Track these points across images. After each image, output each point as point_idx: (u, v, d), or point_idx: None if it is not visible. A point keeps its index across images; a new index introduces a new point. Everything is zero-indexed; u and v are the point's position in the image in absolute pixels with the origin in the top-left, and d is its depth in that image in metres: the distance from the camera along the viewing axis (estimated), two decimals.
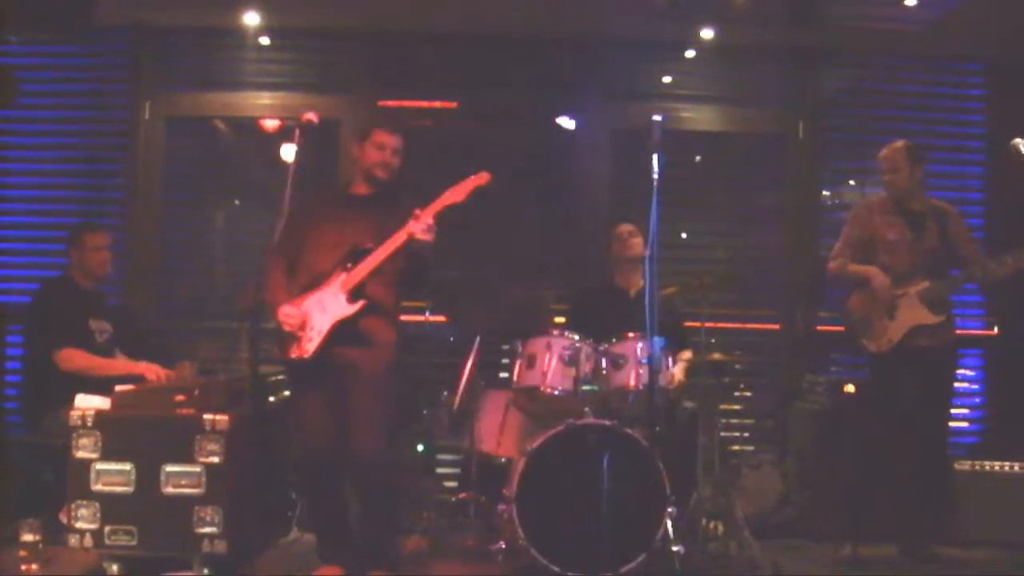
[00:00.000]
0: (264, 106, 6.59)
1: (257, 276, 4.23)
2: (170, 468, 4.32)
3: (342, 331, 4.32)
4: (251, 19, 6.36)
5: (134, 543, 4.29)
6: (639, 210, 4.76)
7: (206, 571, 4.29)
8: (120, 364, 5.13)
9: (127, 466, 4.33)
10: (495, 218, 6.58)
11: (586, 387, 4.91)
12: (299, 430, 4.50)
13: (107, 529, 4.30)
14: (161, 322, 6.53)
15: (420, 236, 4.21)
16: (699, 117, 6.84)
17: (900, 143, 5.29)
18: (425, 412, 5.48)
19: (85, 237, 5.34)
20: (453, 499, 5.30)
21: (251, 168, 6.58)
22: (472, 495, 5.14)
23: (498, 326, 5.39)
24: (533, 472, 4.58)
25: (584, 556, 4.44)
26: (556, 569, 4.43)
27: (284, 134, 6.33)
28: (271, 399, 5.07)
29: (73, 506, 4.31)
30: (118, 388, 4.53)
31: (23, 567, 3.95)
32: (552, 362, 4.91)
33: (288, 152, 4.48)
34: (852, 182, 7.03)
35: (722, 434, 5.49)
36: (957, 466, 5.75)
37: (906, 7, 6.12)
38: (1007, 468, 5.74)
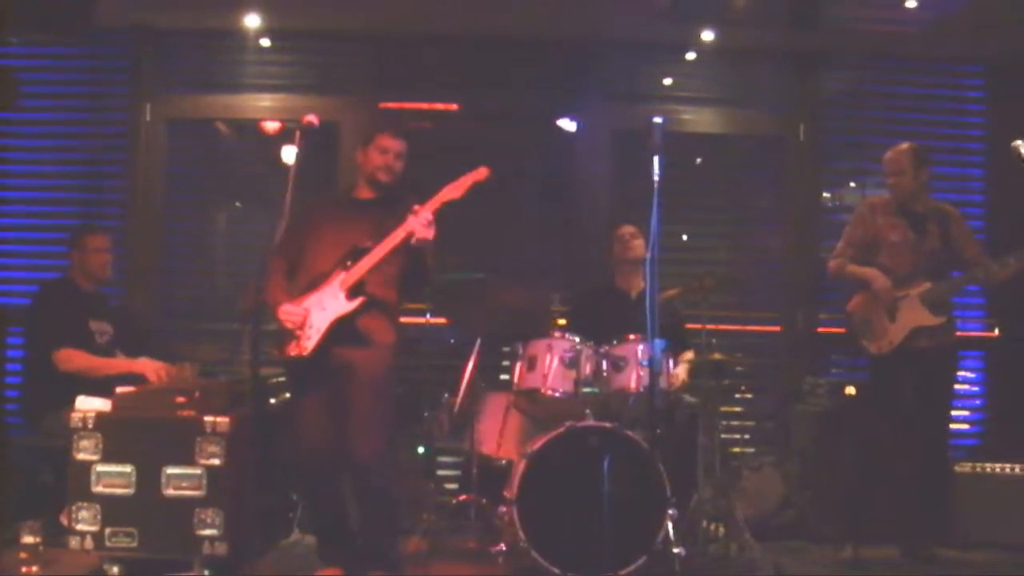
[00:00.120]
0: (265, 108, 6.59)
1: (258, 278, 4.23)
2: (171, 470, 4.32)
3: (341, 330, 4.32)
4: (252, 21, 6.36)
5: (135, 545, 4.30)
6: (640, 212, 4.76)
7: (207, 573, 4.29)
8: (119, 363, 5.13)
9: (128, 468, 4.33)
10: (495, 220, 6.59)
11: (587, 389, 4.90)
12: (297, 431, 4.50)
13: (108, 531, 4.30)
14: (162, 323, 6.53)
15: (419, 232, 4.21)
16: (700, 119, 6.84)
17: (905, 145, 5.27)
18: (426, 414, 5.47)
19: (86, 239, 5.34)
20: (454, 501, 5.30)
21: (252, 170, 6.58)
22: (473, 497, 5.13)
23: (499, 328, 5.38)
24: (534, 474, 4.58)
25: (585, 558, 4.44)
26: (557, 571, 4.42)
27: (285, 136, 6.33)
28: (272, 401, 5.07)
29: (74, 508, 4.31)
30: (119, 390, 4.53)
31: (23, 569, 3.94)
32: (553, 364, 4.91)
33: (289, 154, 4.49)
34: (852, 184, 7.02)
35: (723, 436, 5.49)
36: (957, 468, 5.75)
37: (906, 9, 6.13)
38: (1007, 470, 5.74)
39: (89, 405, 4.45)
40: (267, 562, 4.84)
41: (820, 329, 6.67)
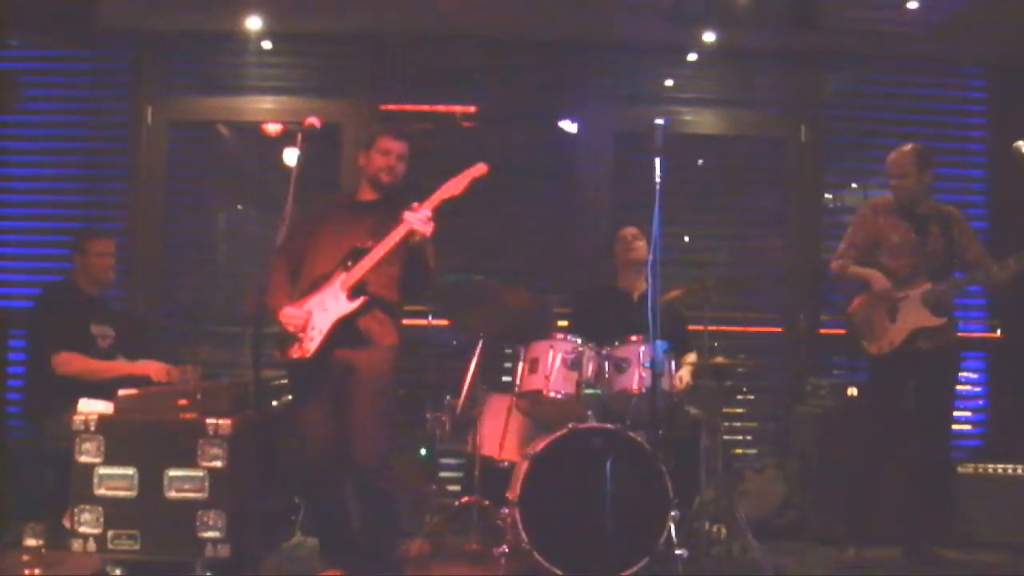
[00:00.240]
0: (266, 110, 6.59)
1: (260, 280, 4.23)
2: (173, 472, 4.32)
3: (343, 332, 4.31)
4: (253, 23, 6.36)
5: (137, 547, 4.29)
6: (641, 213, 4.76)
7: (209, 575, 4.28)
8: (118, 365, 5.12)
9: (130, 470, 4.33)
10: (497, 221, 6.60)
11: (589, 391, 4.91)
12: (300, 433, 4.49)
13: (110, 533, 4.30)
14: (163, 326, 6.53)
15: (417, 228, 4.19)
16: (701, 120, 6.84)
17: (908, 147, 5.25)
18: (428, 416, 5.47)
19: (89, 242, 5.34)
20: (456, 503, 5.29)
21: (253, 172, 6.59)
22: (475, 498, 5.13)
23: (501, 330, 5.38)
24: (536, 476, 4.58)
25: (587, 560, 4.44)
26: (559, 572, 4.43)
27: (286, 138, 6.33)
28: (274, 403, 5.07)
29: (76, 510, 4.31)
30: (121, 392, 4.53)
31: (26, 571, 3.94)
32: (555, 366, 4.91)
33: (290, 156, 4.49)
34: (854, 185, 7.03)
35: (725, 437, 5.48)
36: (960, 469, 5.75)
37: (908, 10, 6.12)
38: (1010, 471, 5.74)
39: (91, 408, 4.45)
40: (269, 564, 4.84)
41: (822, 330, 6.67)
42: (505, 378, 5.98)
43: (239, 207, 6.83)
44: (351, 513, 4.54)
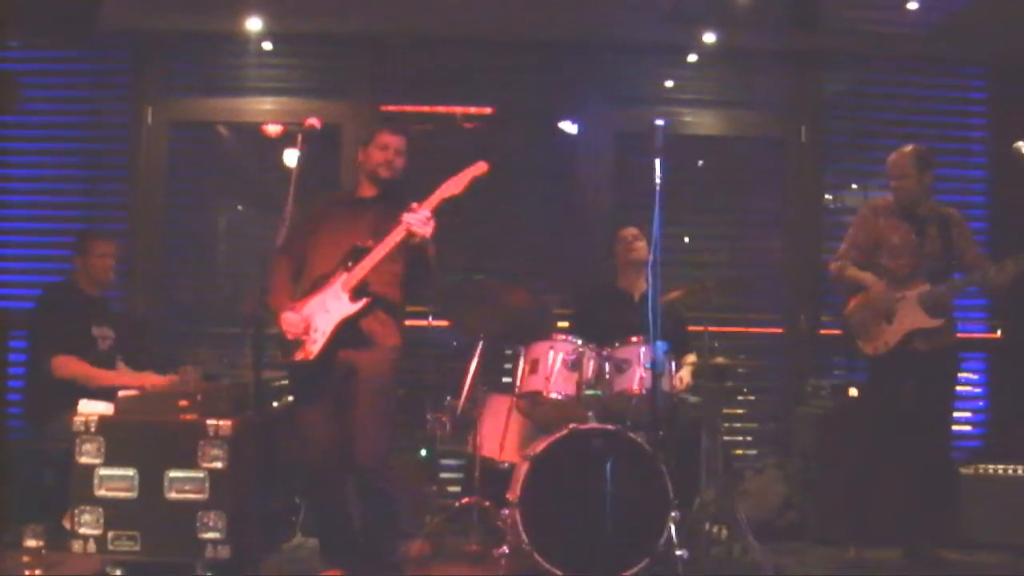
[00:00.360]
0: (266, 111, 6.59)
1: (261, 281, 4.23)
2: (173, 473, 4.32)
3: (346, 333, 4.31)
4: (253, 24, 6.37)
5: (137, 548, 4.30)
6: (641, 214, 4.76)
7: None
8: (115, 376, 5.11)
9: (130, 471, 4.33)
10: (497, 222, 6.60)
11: (589, 391, 4.90)
12: (303, 434, 4.49)
13: (110, 534, 4.30)
14: (164, 327, 6.53)
15: (417, 229, 4.19)
16: (701, 121, 6.84)
17: (908, 148, 5.24)
18: (428, 416, 5.47)
19: (90, 244, 5.34)
20: (456, 504, 5.29)
21: (253, 173, 6.59)
22: (475, 499, 5.13)
23: (501, 330, 5.38)
24: (536, 476, 4.58)
25: (587, 560, 4.44)
26: (559, 573, 4.43)
27: (287, 139, 6.28)
28: (274, 404, 5.07)
29: (76, 511, 4.32)
30: (121, 393, 4.53)
31: (26, 572, 3.94)
32: (555, 367, 4.91)
33: (291, 157, 4.48)
34: (854, 185, 7.03)
35: (725, 438, 5.47)
36: (961, 470, 5.74)
37: (908, 11, 6.13)
38: (1011, 471, 5.74)
39: (92, 408, 4.46)
40: (269, 565, 4.84)
41: (822, 331, 6.66)
42: (505, 379, 5.98)
43: (239, 208, 6.84)
44: (352, 514, 4.54)
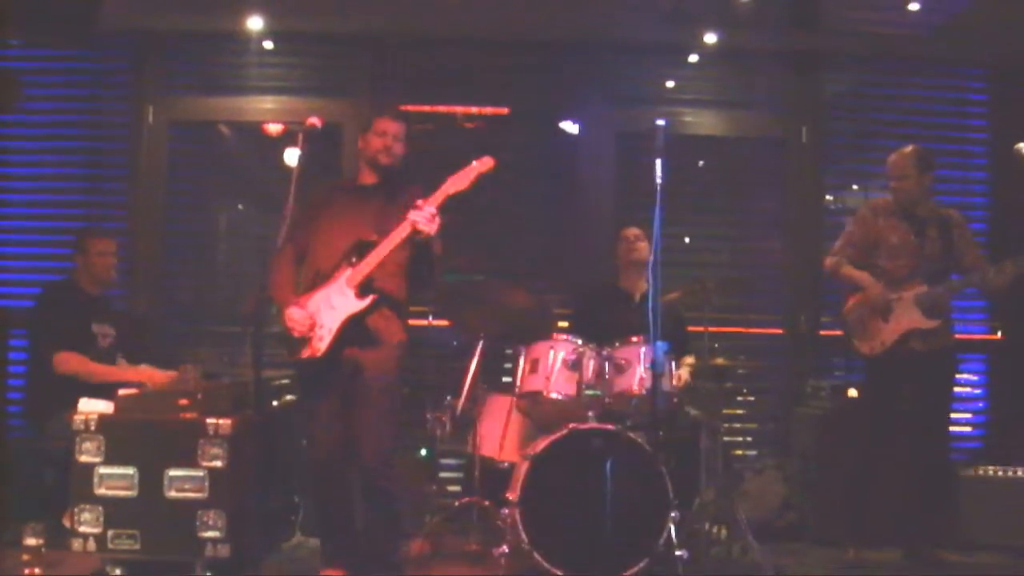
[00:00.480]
0: (267, 110, 6.59)
1: (261, 280, 4.23)
2: (173, 472, 4.32)
3: (352, 330, 4.30)
4: (254, 23, 6.37)
5: (137, 547, 4.30)
6: (642, 214, 4.76)
7: (209, 575, 4.28)
8: (116, 371, 5.11)
9: (130, 470, 4.33)
10: (498, 222, 6.60)
11: (589, 391, 4.90)
12: (310, 432, 4.50)
13: (110, 533, 4.30)
14: (164, 326, 6.53)
15: (422, 227, 4.18)
16: (702, 121, 6.84)
17: (909, 149, 5.24)
18: (428, 416, 5.47)
19: (91, 242, 5.34)
20: (456, 503, 5.29)
21: (254, 173, 6.59)
22: (475, 499, 5.13)
23: (501, 330, 5.38)
24: (536, 476, 4.58)
25: (587, 560, 4.44)
26: (559, 573, 4.42)
27: (288, 138, 6.29)
28: (274, 403, 5.07)
29: (76, 510, 4.31)
30: (121, 392, 4.53)
31: (26, 571, 3.94)
32: (555, 366, 4.91)
33: (292, 156, 4.48)
34: (855, 186, 7.03)
35: (725, 438, 5.48)
36: (961, 471, 5.74)
37: (909, 12, 6.13)
38: (1011, 473, 5.73)
39: (92, 407, 4.45)
40: (269, 564, 4.84)
41: (822, 332, 6.66)
42: (505, 379, 5.98)
43: (240, 207, 6.84)
44: (354, 513, 4.54)
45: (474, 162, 4.33)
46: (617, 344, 4.97)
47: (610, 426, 4.70)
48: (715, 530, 5.16)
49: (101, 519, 4.30)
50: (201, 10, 6.22)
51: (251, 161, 6.60)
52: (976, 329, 6.72)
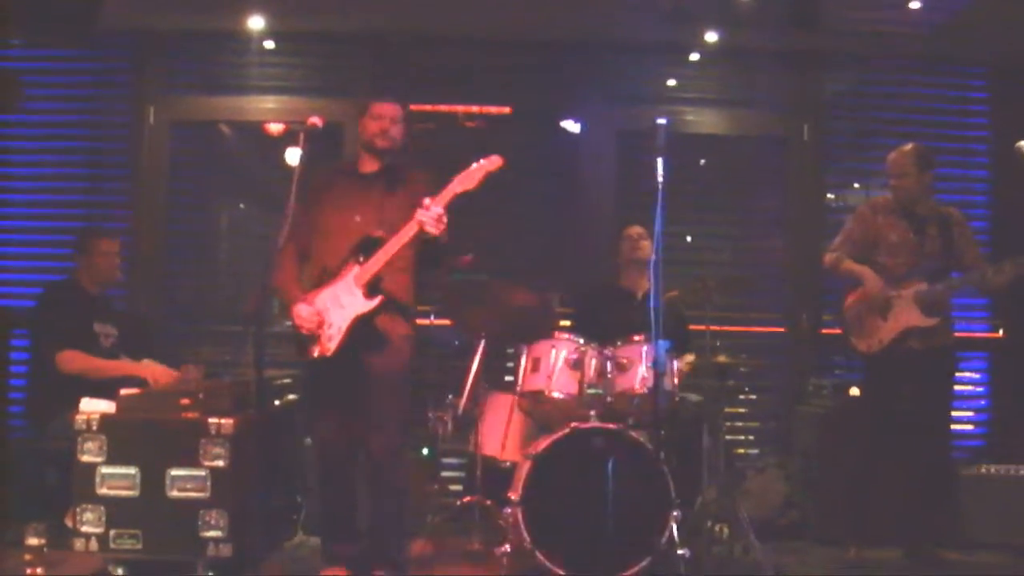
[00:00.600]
0: (268, 110, 6.59)
1: (263, 279, 4.23)
2: (175, 472, 4.32)
3: (361, 329, 4.30)
4: (255, 23, 6.37)
5: (139, 547, 4.29)
6: (644, 213, 4.76)
7: (211, 575, 4.29)
8: (120, 365, 5.12)
9: (132, 470, 4.32)
10: (499, 221, 6.60)
11: (591, 390, 4.90)
12: (315, 431, 4.49)
13: (112, 533, 4.30)
14: (166, 325, 6.53)
15: (429, 228, 4.15)
16: (703, 120, 6.85)
17: (908, 147, 5.24)
18: (430, 415, 5.47)
19: (95, 242, 5.33)
20: (458, 502, 5.29)
21: (255, 172, 6.59)
22: (477, 498, 5.13)
23: (503, 329, 5.38)
24: (538, 475, 4.58)
25: (589, 559, 4.44)
26: (561, 572, 4.42)
27: (289, 138, 6.28)
28: (276, 402, 5.07)
29: (78, 510, 4.31)
30: (123, 392, 4.53)
31: (28, 570, 3.94)
32: (557, 365, 4.91)
33: (293, 156, 4.47)
34: (856, 184, 7.03)
35: (727, 437, 5.48)
36: (962, 469, 5.74)
37: (910, 10, 6.13)
38: (1012, 471, 5.73)
39: (94, 407, 4.45)
40: (271, 564, 4.84)
41: (823, 330, 6.66)
42: (507, 378, 5.98)
43: (241, 207, 6.84)
44: (357, 513, 4.54)
45: (482, 161, 4.30)
46: (619, 343, 4.97)
47: (612, 425, 4.70)
48: (717, 529, 5.16)
49: (103, 519, 4.30)
50: (202, 10, 6.22)
51: (252, 161, 6.61)
52: (978, 327, 6.72)
